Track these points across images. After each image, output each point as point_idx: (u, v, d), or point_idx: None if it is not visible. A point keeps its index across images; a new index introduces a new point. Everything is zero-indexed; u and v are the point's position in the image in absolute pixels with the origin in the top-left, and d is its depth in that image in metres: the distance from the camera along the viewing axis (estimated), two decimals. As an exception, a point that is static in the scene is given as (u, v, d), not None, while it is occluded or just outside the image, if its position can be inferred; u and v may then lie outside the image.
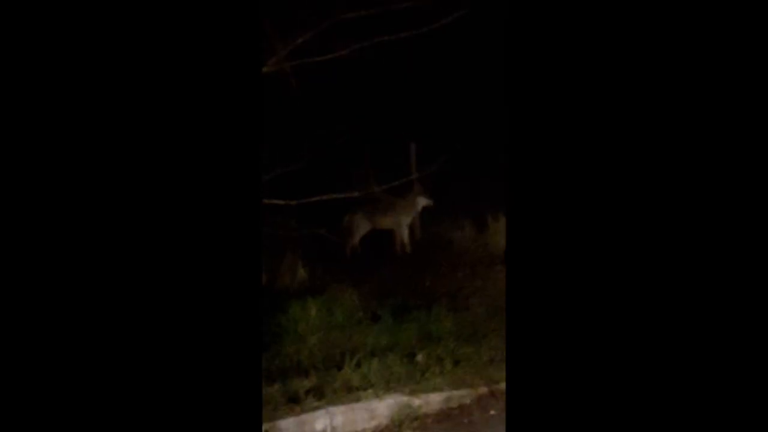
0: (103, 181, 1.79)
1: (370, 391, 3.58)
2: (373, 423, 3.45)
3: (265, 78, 3.89)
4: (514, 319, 1.77)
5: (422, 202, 6.62)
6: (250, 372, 1.89)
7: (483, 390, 3.74)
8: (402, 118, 6.90)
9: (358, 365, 3.77)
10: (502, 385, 3.78)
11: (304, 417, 3.30)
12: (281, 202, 4.23)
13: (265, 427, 3.03)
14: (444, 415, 3.58)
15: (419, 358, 3.88)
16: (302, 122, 5.56)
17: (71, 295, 1.75)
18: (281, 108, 4.94)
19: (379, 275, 5.77)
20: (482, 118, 6.61)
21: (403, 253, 6.56)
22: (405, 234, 6.67)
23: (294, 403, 3.39)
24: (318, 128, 5.15)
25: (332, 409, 3.38)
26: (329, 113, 5.76)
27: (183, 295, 1.83)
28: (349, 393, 3.55)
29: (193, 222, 1.85)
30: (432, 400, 3.61)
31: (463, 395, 3.70)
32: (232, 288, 1.86)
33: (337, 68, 4.37)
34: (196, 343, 1.84)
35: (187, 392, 1.83)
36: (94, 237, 1.78)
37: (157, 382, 1.81)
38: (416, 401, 3.56)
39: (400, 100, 6.88)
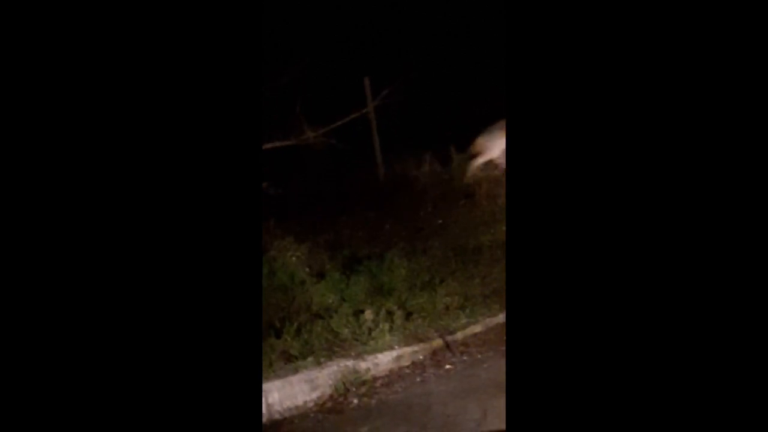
0: (85, 141, 1.58)
1: (310, 359, 3.23)
2: (315, 394, 3.11)
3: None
4: (514, 315, 1.60)
5: None
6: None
7: (438, 342, 3.39)
8: (348, 51, 6.35)
9: (299, 331, 3.41)
10: (458, 335, 3.45)
11: (234, 398, 2.95)
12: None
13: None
14: (395, 376, 3.24)
15: (367, 315, 3.50)
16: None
17: (61, 271, 1.58)
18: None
19: (336, 225, 5.39)
20: (436, 47, 6.13)
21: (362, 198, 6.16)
22: None
23: (224, 382, 3.03)
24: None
25: (266, 385, 3.02)
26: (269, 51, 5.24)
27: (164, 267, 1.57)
28: (288, 363, 3.21)
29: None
30: (381, 361, 3.27)
31: (415, 351, 3.36)
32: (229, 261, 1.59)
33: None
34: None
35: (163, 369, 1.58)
36: (80, 203, 1.58)
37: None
38: (363, 364, 3.22)
39: (343, 31, 6.30)
